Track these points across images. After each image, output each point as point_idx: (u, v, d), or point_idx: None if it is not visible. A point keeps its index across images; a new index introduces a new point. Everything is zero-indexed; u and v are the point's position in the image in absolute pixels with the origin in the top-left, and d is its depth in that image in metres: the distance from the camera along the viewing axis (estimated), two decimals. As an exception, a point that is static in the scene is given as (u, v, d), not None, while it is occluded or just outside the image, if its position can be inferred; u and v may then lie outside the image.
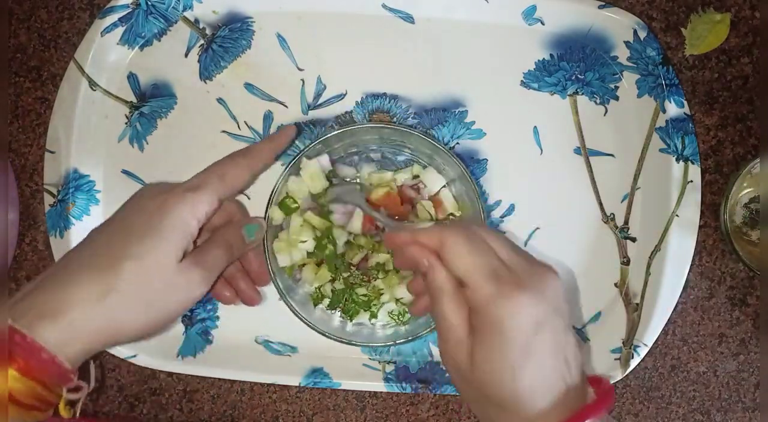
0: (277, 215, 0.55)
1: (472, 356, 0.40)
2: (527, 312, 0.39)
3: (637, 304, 0.59)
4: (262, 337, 0.60)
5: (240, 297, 0.54)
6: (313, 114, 0.60)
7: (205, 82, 0.60)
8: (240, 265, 0.54)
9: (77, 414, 0.44)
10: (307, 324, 0.54)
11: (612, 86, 0.60)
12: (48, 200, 0.59)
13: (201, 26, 0.60)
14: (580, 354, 0.42)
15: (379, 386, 0.59)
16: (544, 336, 0.40)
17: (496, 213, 0.60)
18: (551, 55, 0.60)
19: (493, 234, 0.44)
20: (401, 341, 0.54)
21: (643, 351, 0.58)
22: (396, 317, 0.56)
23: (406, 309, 0.56)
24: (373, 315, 0.56)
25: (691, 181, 0.58)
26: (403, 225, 0.52)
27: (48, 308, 0.42)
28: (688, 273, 0.58)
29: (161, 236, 0.45)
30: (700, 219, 0.58)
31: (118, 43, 0.59)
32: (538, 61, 0.60)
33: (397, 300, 0.56)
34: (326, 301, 0.56)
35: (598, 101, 0.60)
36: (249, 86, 0.60)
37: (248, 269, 0.54)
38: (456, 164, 0.53)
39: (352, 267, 0.56)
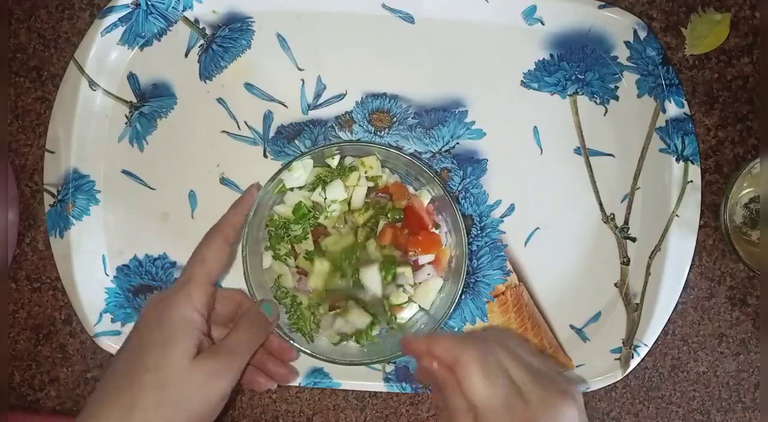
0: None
1: None
2: None
3: (637, 304, 0.59)
4: (262, 337, 0.60)
5: (274, 380, 0.54)
6: (313, 114, 0.60)
7: (205, 82, 0.60)
8: (263, 349, 0.54)
9: None
10: (332, 361, 0.54)
11: (612, 86, 0.60)
12: (48, 200, 0.59)
13: (201, 26, 0.60)
14: None
15: (379, 386, 0.59)
16: None
17: (496, 214, 0.60)
18: (551, 55, 0.60)
19: (509, 353, 0.43)
20: (380, 359, 0.54)
21: (643, 351, 0.58)
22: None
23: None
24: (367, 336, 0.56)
25: (691, 181, 0.58)
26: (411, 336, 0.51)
27: None
28: (688, 273, 0.58)
29: (168, 341, 0.46)
30: (700, 219, 0.58)
31: (118, 43, 0.59)
32: (538, 61, 0.60)
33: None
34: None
35: (598, 101, 0.60)
36: (249, 86, 0.60)
37: (270, 350, 0.54)
38: (438, 185, 0.54)
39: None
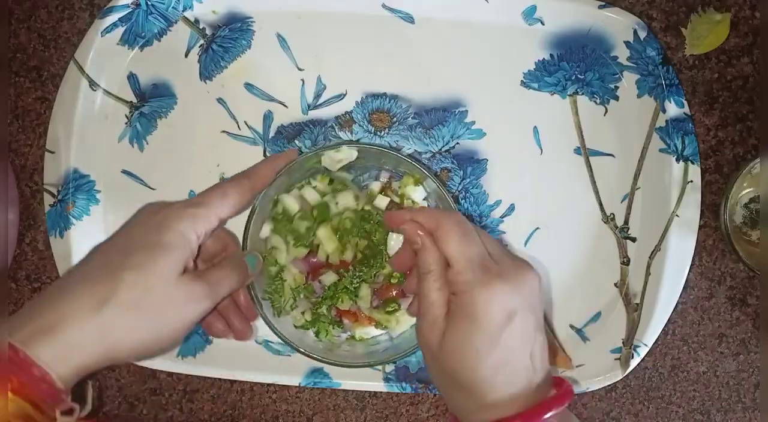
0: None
1: (443, 337, 0.42)
2: (501, 301, 0.41)
3: (637, 304, 0.59)
4: (262, 337, 0.60)
5: (232, 331, 0.53)
6: (313, 114, 0.60)
7: (205, 82, 0.60)
8: (231, 299, 0.53)
9: None
10: (283, 339, 0.53)
11: (612, 86, 0.60)
12: (48, 200, 0.59)
13: (201, 26, 0.60)
14: (547, 356, 0.43)
15: (379, 386, 0.59)
16: (514, 328, 0.41)
17: (496, 213, 0.60)
18: (551, 55, 0.60)
19: (483, 232, 0.46)
20: (375, 361, 0.54)
21: (643, 351, 0.58)
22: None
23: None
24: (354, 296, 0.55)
25: (691, 181, 0.58)
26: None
27: (42, 323, 0.40)
28: (688, 273, 0.58)
29: (161, 248, 0.44)
30: (700, 219, 0.58)
31: (118, 43, 0.59)
32: (538, 61, 0.60)
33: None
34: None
35: (598, 101, 0.60)
36: (249, 86, 0.60)
37: (237, 302, 0.54)
38: (432, 182, 0.54)
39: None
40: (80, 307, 0.41)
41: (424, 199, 0.57)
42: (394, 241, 0.54)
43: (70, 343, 0.40)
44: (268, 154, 0.60)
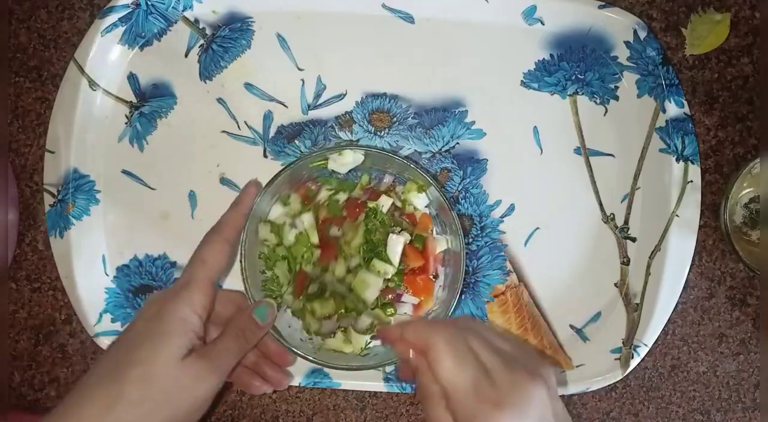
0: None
1: None
2: None
3: (637, 304, 0.59)
4: (262, 337, 0.60)
5: (269, 383, 0.54)
6: (313, 114, 0.60)
7: (205, 82, 0.60)
8: (260, 352, 0.54)
9: None
10: (284, 343, 0.53)
11: (612, 86, 0.60)
12: (48, 200, 0.59)
13: (201, 26, 0.60)
14: None
15: (379, 386, 0.59)
16: None
17: (496, 213, 0.60)
18: (551, 55, 0.60)
19: (479, 338, 0.43)
20: (373, 364, 0.54)
21: (643, 351, 0.58)
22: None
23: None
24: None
25: (691, 181, 0.58)
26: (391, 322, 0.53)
27: None
28: (688, 273, 0.58)
29: (162, 337, 0.46)
30: (700, 219, 0.58)
31: (118, 43, 0.59)
32: (538, 61, 0.60)
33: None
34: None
35: (598, 101, 0.60)
36: (249, 86, 0.60)
37: (267, 353, 0.54)
38: (435, 190, 0.54)
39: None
40: (94, 410, 0.43)
41: (426, 207, 0.57)
42: (394, 242, 0.54)
43: None
44: (268, 154, 0.60)
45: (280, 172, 0.53)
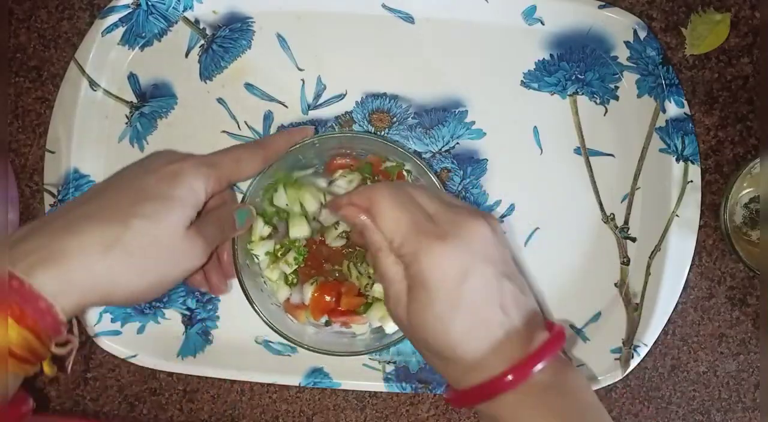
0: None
1: (408, 311, 0.41)
2: (449, 263, 0.40)
3: (637, 304, 0.59)
4: (262, 337, 0.60)
5: (209, 285, 0.54)
6: (313, 114, 0.60)
7: (205, 82, 0.60)
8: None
9: (68, 371, 0.43)
10: (277, 331, 0.53)
11: (612, 86, 0.60)
12: (48, 200, 0.59)
13: (201, 26, 0.60)
14: (524, 300, 0.42)
15: (379, 386, 0.59)
16: (471, 285, 0.40)
17: (496, 214, 0.60)
18: (551, 55, 0.60)
19: (422, 190, 0.44)
20: (378, 347, 0.54)
21: (643, 351, 0.58)
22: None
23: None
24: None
25: (691, 181, 0.58)
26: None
27: (49, 254, 0.39)
28: (688, 273, 0.58)
29: (174, 201, 0.44)
30: (700, 219, 0.58)
31: (118, 43, 0.59)
32: (538, 61, 0.60)
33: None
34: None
35: (598, 101, 0.60)
36: (249, 86, 0.60)
37: (219, 257, 0.54)
38: (421, 167, 0.54)
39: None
40: (88, 246, 0.41)
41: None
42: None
43: (74, 280, 0.40)
44: (268, 154, 0.60)
45: (295, 145, 0.53)
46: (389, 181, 0.45)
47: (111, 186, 0.46)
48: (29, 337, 0.38)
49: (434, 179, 0.53)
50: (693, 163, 0.58)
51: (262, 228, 0.55)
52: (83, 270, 0.40)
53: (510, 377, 0.39)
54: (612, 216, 0.60)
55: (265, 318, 0.53)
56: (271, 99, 0.60)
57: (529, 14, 0.59)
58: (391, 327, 0.55)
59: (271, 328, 0.53)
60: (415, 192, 0.44)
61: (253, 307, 0.53)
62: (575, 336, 0.60)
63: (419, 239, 0.40)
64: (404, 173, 0.56)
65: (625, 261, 0.60)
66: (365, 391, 0.61)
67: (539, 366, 0.39)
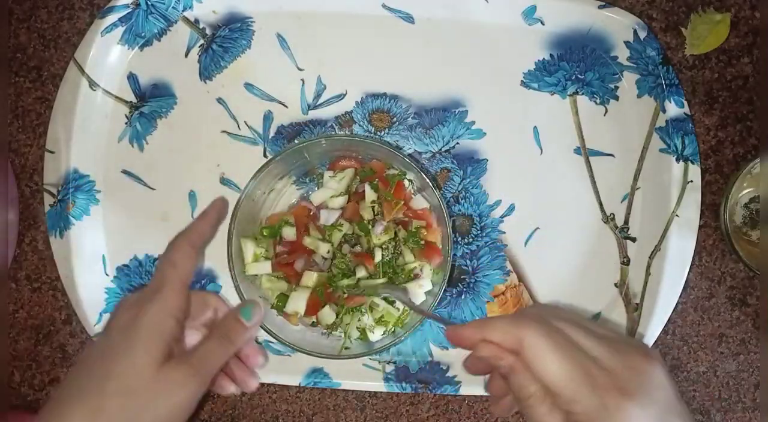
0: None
1: None
2: None
3: (637, 304, 0.59)
4: (263, 337, 0.60)
5: (237, 384, 0.53)
6: (313, 114, 0.60)
7: (205, 82, 0.60)
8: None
9: None
10: (276, 338, 0.54)
11: (612, 86, 0.60)
12: (48, 200, 0.59)
13: (201, 26, 0.60)
14: None
15: (379, 386, 0.59)
16: None
17: (496, 213, 0.60)
18: (551, 55, 0.60)
19: (570, 322, 0.40)
20: (370, 350, 0.54)
21: (643, 351, 0.58)
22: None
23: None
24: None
25: (691, 181, 0.58)
26: (457, 324, 0.45)
27: None
28: (688, 273, 0.58)
29: (137, 347, 0.45)
30: (700, 219, 0.58)
31: (118, 43, 0.59)
32: (538, 61, 0.60)
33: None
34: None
35: (598, 101, 0.60)
36: (249, 86, 0.60)
37: (237, 354, 0.53)
38: (425, 180, 0.54)
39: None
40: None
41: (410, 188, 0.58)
42: (382, 227, 0.55)
43: None
44: (268, 154, 0.60)
45: (270, 160, 0.53)
46: (535, 316, 0.40)
47: (88, 354, 0.47)
48: None
49: (436, 193, 0.53)
50: (693, 163, 0.58)
51: (253, 251, 0.56)
52: None
53: None
54: (612, 216, 0.60)
55: (265, 327, 0.53)
56: (271, 99, 0.60)
57: (529, 14, 0.59)
58: (376, 336, 0.56)
59: (272, 336, 0.53)
60: (568, 329, 0.39)
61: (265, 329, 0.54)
62: None
63: (598, 395, 0.36)
64: (405, 183, 0.57)
65: (625, 261, 0.60)
66: (365, 391, 0.61)
67: None
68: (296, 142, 0.54)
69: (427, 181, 0.53)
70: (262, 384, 0.61)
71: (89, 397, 0.44)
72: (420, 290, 0.56)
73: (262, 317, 0.51)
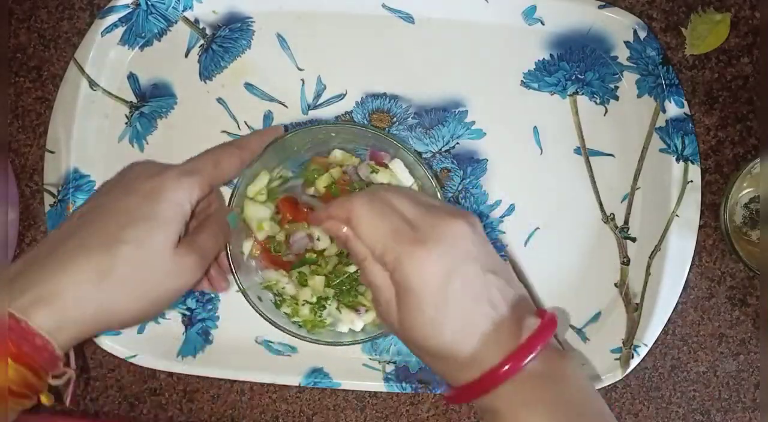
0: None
1: (398, 316, 0.42)
2: (431, 267, 0.40)
3: (637, 304, 0.59)
4: (262, 337, 0.60)
5: (210, 283, 0.54)
6: (313, 114, 0.60)
7: (205, 82, 0.60)
8: None
9: (67, 402, 0.44)
10: (268, 321, 0.53)
11: (612, 86, 0.60)
12: (48, 200, 0.59)
13: (201, 26, 0.60)
14: (512, 291, 0.43)
15: (379, 386, 0.59)
16: (456, 285, 0.40)
17: (496, 213, 0.60)
18: (551, 55, 0.60)
19: (398, 194, 0.44)
20: (364, 338, 0.54)
21: (643, 351, 0.58)
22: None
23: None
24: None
25: (691, 181, 0.58)
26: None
27: (43, 291, 0.40)
28: (688, 273, 0.58)
29: (158, 221, 0.44)
30: (700, 219, 0.58)
31: (118, 43, 0.59)
32: (538, 61, 0.60)
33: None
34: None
35: (598, 101, 0.60)
36: (249, 86, 0.60)
37: (218, 260, 0.54)
38: (429, 178, 0.53)
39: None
40: (80, 279, 0.41)
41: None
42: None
43: (69, 314, 0.41)
44: (268, 154, 0.60)
45: (269, 144, 0.53)
46: (366, 190, 0.45)
47: (95, 210, 0.46)
48: (27, 374, 0.40)
49: (439, 192, 0.53)
50: (693, 163, 0.58)
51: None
52: (78, 305, 0.41)
53: (505, 368, 0.40)
54: (612, 216, 0.60)
55: (258, 310, 0.53)
56: (271, 99, 0.60)
57: (529, 14, 0.59)
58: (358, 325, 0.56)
59: (271, 323, 0.53)
60: (391, 196, 0.44)
61: (248, 301, 0.53)
62: (575, 336, 0.60)
63: (400, 246, 0.41)
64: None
65: (625, 261, 0.60)
66: (365, 391, 0.61)
67: (531, 355, 0.40)
68: (288, 130, 0.54)
69: (431, 179, 0.53)
70: (262, 384, 0.61)
71: (100, 254, 0.42)
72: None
73: (240, 224, 0.53)
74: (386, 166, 0.55)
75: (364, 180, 0.55)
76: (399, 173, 0.55)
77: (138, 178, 0.47)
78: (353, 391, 0.61)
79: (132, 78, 0.60)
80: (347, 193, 0.54)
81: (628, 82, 0.59)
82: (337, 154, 0.56)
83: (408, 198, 0.44)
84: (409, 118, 0.60)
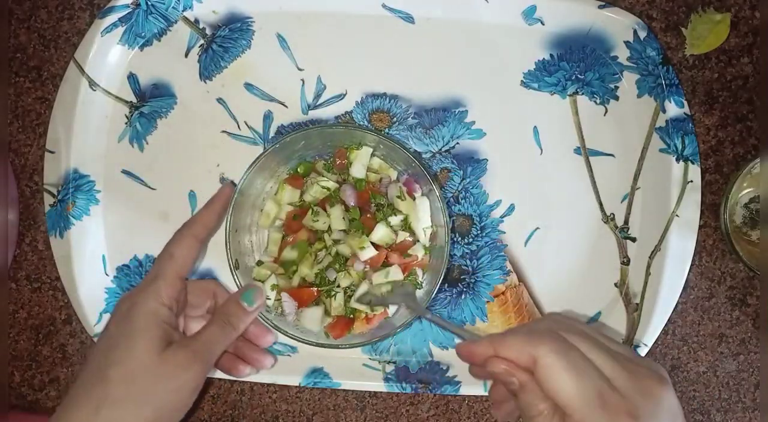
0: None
1: None
2: None
3: (637, 304, 0.59)
4: (262, 337, 0.60)
5: (252, 365, 0.55)
6: (313, 114, 0.60)
7: (205, 82, 0.60)
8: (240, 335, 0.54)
9: None
10: (270, 325, 0.53)
11: (612, 86, 0.60)
12: (48, 200, 0.59)
13: (201, 26, 0.60)
14: None
15: (379, 386, 0.59)
16: None
17: (496, 213, 0.60)
18: (551, 55, 0.60)
19: (590, 342, 0.39)
20: (363, 341, 0.54)
21: (643, 351, 0.58)
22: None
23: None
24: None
25: (691, 181, 0.58)
26: (474, 334, 0.45)
27: None
28: (688, 273, 0.58)
29: (135, 334, 0.47)
30: (700, 219, 0.58)
31: (118, 43, 0.59)
32: (538, 61, 0.60)
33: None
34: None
35: (598, 101, 0.60)
36: (249, 86, 0.60)
37: (247, 336, 0.54)
38: (427, 179, 0.54)
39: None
40: (79, 415, 0.44)
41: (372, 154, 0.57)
42: (382, 231, 0.55)
43: None
44: (268, 154, 0.60)
45: (267, 149, 0.53)
46: (550, 333, 0.39)
47: (93, 348, 0.49)
48: None
49: (437, 192, 0.53)
50: (693, 163, 0.58)
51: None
52: None
53: None
54: (612, 216, 0.60)
55: (263, 317, 0.53)
56: (271, 99, 0.60)
57: (529, 14, 0.59)
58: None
59: (273, 327, 0.53)
60: (582, 346, 0.39)
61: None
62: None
63: (606, 415, 0.36)
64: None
65: (625, 261, 0.60)
66: (365, 391, 0.61)
67: None
68: (289, 133, 0.54)
69: (429, 179, 0.53)
70: (262, 384, 0.61)
71: (93, 388, 0.45)
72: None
73: (263, 302, 0.52)
74: (413, 198, 0.56)
75: (387, 200, 0.56)
76: (420, 211, 0.56)
77: (118, 307, 0.50)
78: (353, 391, 0.61)
79: (132, 78, 0.60)
80: (366, 201, 0.55)
81: (628, 82, 0.59)
82: (375, 162, 0.57)
83: (602, 349, 0.39)
84: (409, 118, 0.60)
